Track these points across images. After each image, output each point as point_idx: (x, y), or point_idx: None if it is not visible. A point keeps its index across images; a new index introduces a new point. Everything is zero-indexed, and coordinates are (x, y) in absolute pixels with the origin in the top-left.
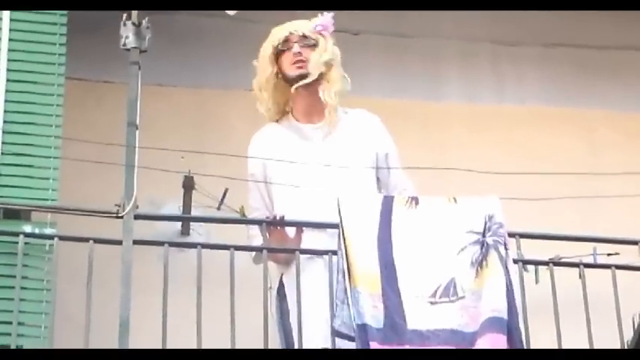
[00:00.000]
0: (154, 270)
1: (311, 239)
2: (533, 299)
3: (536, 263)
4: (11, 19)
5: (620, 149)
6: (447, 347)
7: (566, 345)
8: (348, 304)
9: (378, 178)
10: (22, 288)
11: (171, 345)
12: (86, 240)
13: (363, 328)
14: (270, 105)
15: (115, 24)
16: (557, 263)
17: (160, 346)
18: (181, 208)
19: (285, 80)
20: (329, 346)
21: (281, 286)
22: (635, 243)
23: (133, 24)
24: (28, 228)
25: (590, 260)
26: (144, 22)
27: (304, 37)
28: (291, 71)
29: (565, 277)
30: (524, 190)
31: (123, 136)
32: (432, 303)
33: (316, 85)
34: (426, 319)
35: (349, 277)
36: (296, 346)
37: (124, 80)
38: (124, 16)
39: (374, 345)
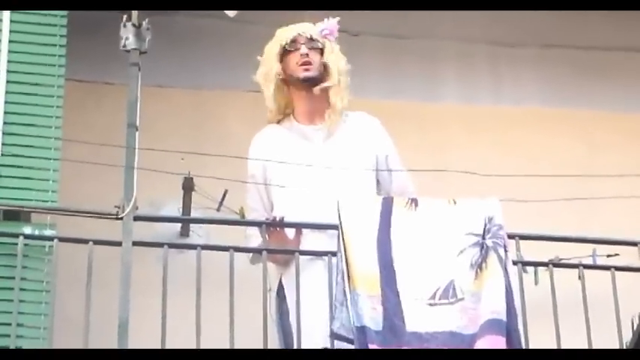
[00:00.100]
0: (153, 271)
1: (311, 240)
2: (533, 301)
3: (536, 265)
4: (11, 20)
5: (617, 150)
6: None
7: (566, 345)
8: (347, 306)
9: (378, 181)
10: (22, 289)
11: (170, 346)
12: (86, 241)
13: (362, 330)
14: (272, 104)
15: (115, 25)
16: (557, 264)
17: (159, 347)
18: (181, 210)
19: (288, 82)
20: (328, 346)
21: (280, 287)
22: (634, 244)
23: (133, 25)
24: (27, 229)
25: (589, 261)
26: (144, 23)
27: (311, 39)
28: (298, 73)
29: (564, 279)
30: (522, 191)
31: (122, 138)
32: (431, 305)
33: (322, 87)
34: (425, 321)
35: (348, 279)
36: (295, 347)
37: (123, 81)
38: (124, 17)
39: (373, 347)
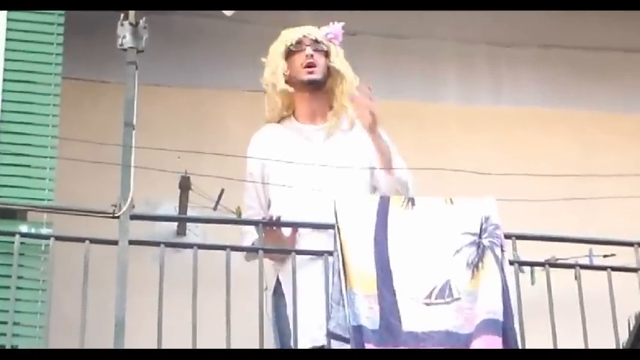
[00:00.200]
0: (149, 270)
1: (309, 240)
2: (529, 300)
3: (532, 264)
4: (8, 19)
5: (616, 150)
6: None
7: (562, 346)
8: (343, 305)
9: (374, 187)
10: (18, 288)
11: (166, 345)
12: (82, 240)
13: (358, 329)
14: (278, 102)
15: (112, 24)
16: (553, 264)
17: (155, 346)
18: (177, 209)
19: (291, 83)
20: (325, 345)
21: (278, 285)
22: (630, 245)
23: (130, 24)
24: (24, 228)
25: (586, 262)
26: (141, 22)
27: (316, 42)
28: (302, 75)
29: (561, 279)
30: (520, 191)
31: (119, 136)
32: (427, 304)
33: (324, 89)
34: (422, 320)
35: (345, 279)
36: (291, 346)
37: (120, 80)
38: (121, 16)
39: (369, 347)
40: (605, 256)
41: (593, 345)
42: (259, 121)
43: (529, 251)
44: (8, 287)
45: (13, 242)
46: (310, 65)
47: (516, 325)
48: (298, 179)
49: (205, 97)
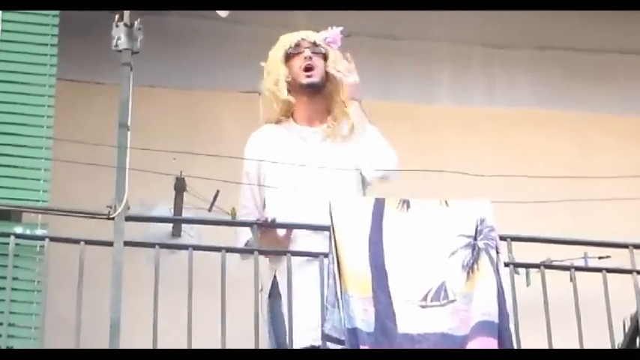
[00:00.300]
0: (144, 271)
1: (305, 241)
2: (524, 302)
3: (528, 266)
4: (2, 20)
5: (610, 152)
6: None
7: (557, 347)
8: (338, 307)
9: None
10: (13, 289)
11: (161, 345)
12: (77, 241)
13: (353, 332)
14: (277, 108)
15: (107, 25)
16: (549, 266)
17: (150, 347)
18: (172, 210)
19: (290, 86)
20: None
21: (274, 285)
22: (625, 246)
23: (125, 25)
24: (18, 229)
25: (581, 263)
26: (136, 23)
27: (315, 44)
28: (301, 78)
29: (556, 280)
30: (515, 192)
31: (114, 138)
32: (422, 306)
33: (323, 93)
34: (417, 322)
35: (340, 281)
36: (287, 347)
37: (115, 81)
38: (116, 17)
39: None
40: (600, 257)
41: (588, 346)
42: (254, 122)
43: (524, 253)
44: (3, 288)
45: (7, 243)
46: (309, 68)
47: (512, 327)
48: (294, 179)
49: (200, 99)
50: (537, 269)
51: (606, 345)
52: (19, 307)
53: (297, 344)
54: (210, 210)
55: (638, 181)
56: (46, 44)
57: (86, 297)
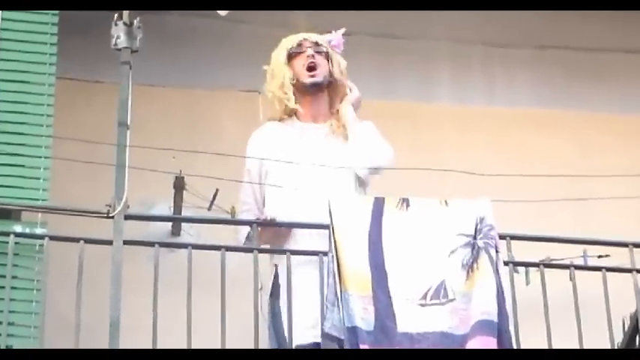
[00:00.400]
0: (144, 270)
1: (307, 239)
2: (524, 301)
3: (527, 265)
4: (2, 19)
5: (611, 151)
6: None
7: (557, 346)
8: (338, 306)
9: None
10: (13, 288)
11: (161, 344)
12: (77, 240)
13: (353, 330)
14: (280, 109)
15: (106, 24)
16: (548, 265)
17: (149, 346)
18: (172, 209)
19: (295, 86)
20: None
21: (274, 284)
22: (625, 245)
23: (125, 24)
24: (18, 228)
25: (580, 262)
26: (135, 22)
27: (317, 44)
28: (304, 78)
29: (556, 279)
30: (515, 191)
31: (114, 136)
32: (422, 305)
33: (326, 91)
34: (417, 321)
35: (339, 280)
36: (287, 346)
37: (114, 80)
38: (116, 16)
39: (364, 348)
40: (599, 256)
41: (588, 345)
42: (254, 121)
43: (524, 252)
44: (3, 287)
45: (7, 242)
46: (312, 67)
47: (511, 326)
48: (296, 177)
49: (200, 97)
50: (537, 268)
51: (606, 344)
52: (19, 305)
53: (299, 341)
54: (209, 209)
55: (637, 180)
56: (46, 43)
57: (86, 296)
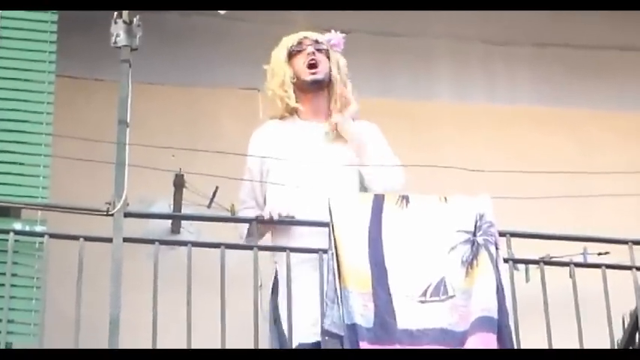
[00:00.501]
0: (144, 268)
1: (307, 238)
2: (524, 298)
3: (527, 262)
4: (2, 17)
5: (611, 148)
6: (437, 346)
7: (557, 344)
8: (338, 303)
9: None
10: (12, 285)
11: (161, 342)
12: (76, 238)
13: (352, 327)
14: (284, 106)
15: (106, 22)
16: (548, 262)
17: (149, 344)
18: (172, 206)
19: (294, 83)
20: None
21: (276, 281)
22: (625, 242)
23: (124, 22)
24: (18, 225)
25: (580, 259)
26: (135, 20)
27: (317, 42)
28: (305, 75)
29: (555, 276)
30: (515, 189)
31: (113, 134)
32: (422, 302)
33: (327, 89)
34: (416, 318)
35: (339, 277)
36: (289, 343)
37: (114, 78)
38: (115, 14)
39: (363, 345)
40: (599, 253)
41: (587, 342)
42: (253, 118)
43: (524, 249)
44: (3, 285)
45: (7, 240)
46: (313, 65)
47: (511, 323)
48: (297, 175)
49: (199, 95)
50: (537, 265)
51: (605, 341)
52: (19, 303)
53: (302, 339)
54: (209, 206)
55: (637, 178)
56: (46, 41)
57: (85, 293)
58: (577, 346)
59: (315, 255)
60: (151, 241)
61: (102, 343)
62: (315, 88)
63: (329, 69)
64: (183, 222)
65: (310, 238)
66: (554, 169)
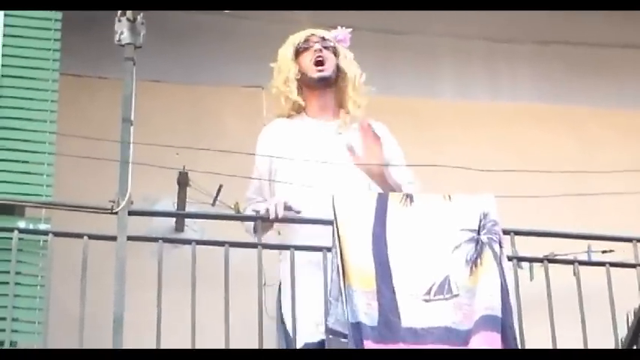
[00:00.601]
0: (148, 266)
1: (313, 233)
2: (528, 296)
3: (531, 260)
4: (6, 15)
5: (613, 146)
6: (441, 345)
7: (561, 342)
8: (342, 301)
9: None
10: (17, 284)
11: (165, 340)
12: (80, 236)
13: (356, 326)
14: (289, 104)
15: (110, 20)
16: (552, 260)
17: (153, 342)
18: (176, 205)
19: (302, 81)
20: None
21: (281, 283)
22: (629, 240)
23: (128, 20)
24: (22, 224)
25: (584, 257)
26: (138, 18)
27: (324, 39)
28: (312, 72)
29: (559, 275)
30: (518, 187)
31: (117, 132)
32: (426, 301)
33: (335, 86)
34: (421, 316)
35: (343, 275)
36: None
37: (118, 76)
38: (119, 12)
39: (367, 343)
40: (603, 251)
41: (591, 340)
42: (257, 117)
43: (528, 247)
44: (7, 283)
45: (11, 238)
46: (320, 62)
47: (515, 321)
48: (306, 173)
49: (203, 94)
50: (541, 263)
51: (609, 339)
52: (23, 301)
53: (309, 338)
54: (213, 204)
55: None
56: (50, 39)
57: (89, 292)
58: (581, 344)
59: (320, 254)
60: (155, 240)
61: (106, 341)
62: (323, 85)
63: (336, 66)
64: (187, 220)
65: (321, 240)
66: (554, 166)
